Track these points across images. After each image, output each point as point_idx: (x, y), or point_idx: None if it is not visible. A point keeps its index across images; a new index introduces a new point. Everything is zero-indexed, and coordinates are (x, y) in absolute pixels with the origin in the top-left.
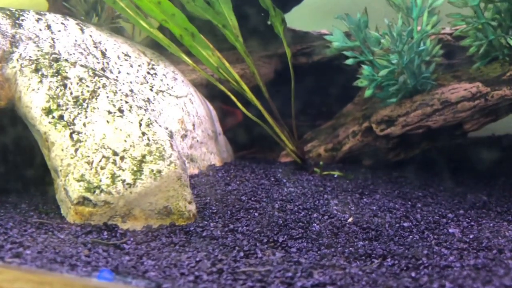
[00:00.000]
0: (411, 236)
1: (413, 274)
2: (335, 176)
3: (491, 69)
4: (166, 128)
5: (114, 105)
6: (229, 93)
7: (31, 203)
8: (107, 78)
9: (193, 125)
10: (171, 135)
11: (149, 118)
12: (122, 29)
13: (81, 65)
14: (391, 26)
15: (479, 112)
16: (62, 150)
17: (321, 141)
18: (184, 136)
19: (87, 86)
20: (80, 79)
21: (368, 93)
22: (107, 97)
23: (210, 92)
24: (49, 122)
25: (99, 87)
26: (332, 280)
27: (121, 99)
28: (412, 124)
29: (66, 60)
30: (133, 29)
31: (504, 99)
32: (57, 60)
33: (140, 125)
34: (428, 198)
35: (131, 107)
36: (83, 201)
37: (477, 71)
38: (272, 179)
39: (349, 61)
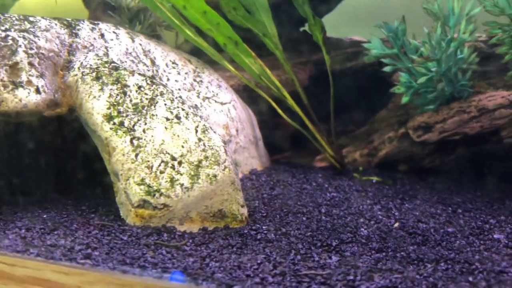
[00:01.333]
0: (457, 242)
1: (470, 279)
2: (374, 181)
3: None
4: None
5: (171, 112)
6: (269, 100)
7: (90, 206)
8: (164, 86)
9: (237, 130)
10: (224, 141)
11: (204, 125)
12: (160, 37)
13: (139, 74)
14: (430, 34)
15: None
16: (123, 155)
17: (356, 146)
18: (228, 141)
19: (146, 94)
20: (139, 87)
21: (405, 99)
22: (165, 104)
23: (246, 98)
24: (110, 128)
25: (157, 95)
26: (393, 284)
27: (178, 107)
28: (449, 130)
29: (125, 68)
30: (176, 37)
31: None
32: (116, 68)
33: (196, 131)
34: (467, 204)
35: (187, 114)
36: (144, 204)
37: None
38: (314, 184)
39: (387, 68)
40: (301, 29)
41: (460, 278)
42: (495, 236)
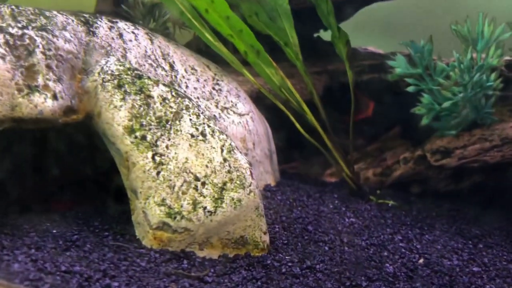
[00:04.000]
0: (488, 286)
1: None
2: (390, 205)
3: None
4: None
5: (197, 129)
6: (287, 112)
7: (103, 221)
8: (190, 99)
9: (253, 144)
10: (250, 163)
11: (230, 144)
12: (169, 34)
13: (164, 84)
14: (460, 59)
15: None
16: (144, 172)
17: (368, 163)
18: (245, 155)
19: (171, 107)
20: (164, 99)
21: (425, 121)
22: (190, 119)
23: (259, 104)
24: (131, 142)
25: (182, 109)
26: None
27: (203, 123)
28: (469, 157)
29: (149, 77)
30: (174, 31)
31: None
32: (140, 77)
33: (222, 151)
34: (486, 237)
35: (213, 131)
36: (163, 226)
37: None
38: (331, 206)
39: (410, 88)
40: (315, 35)
41: None
42: None
